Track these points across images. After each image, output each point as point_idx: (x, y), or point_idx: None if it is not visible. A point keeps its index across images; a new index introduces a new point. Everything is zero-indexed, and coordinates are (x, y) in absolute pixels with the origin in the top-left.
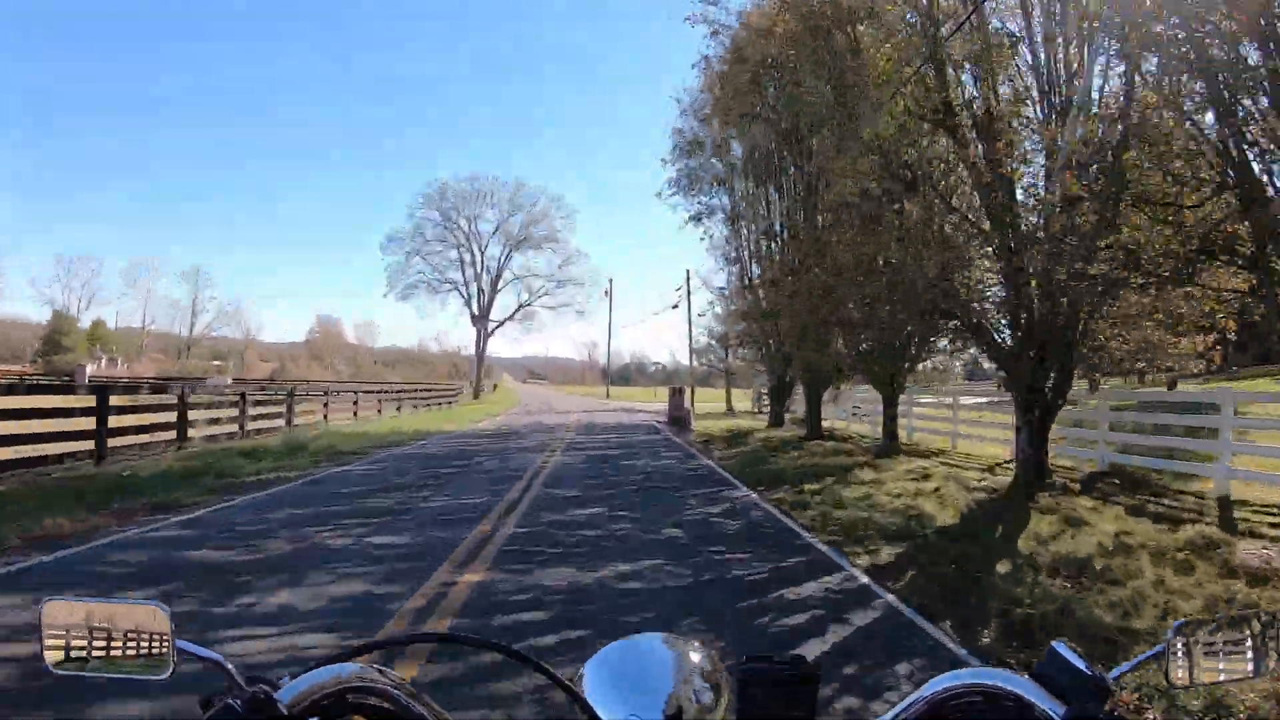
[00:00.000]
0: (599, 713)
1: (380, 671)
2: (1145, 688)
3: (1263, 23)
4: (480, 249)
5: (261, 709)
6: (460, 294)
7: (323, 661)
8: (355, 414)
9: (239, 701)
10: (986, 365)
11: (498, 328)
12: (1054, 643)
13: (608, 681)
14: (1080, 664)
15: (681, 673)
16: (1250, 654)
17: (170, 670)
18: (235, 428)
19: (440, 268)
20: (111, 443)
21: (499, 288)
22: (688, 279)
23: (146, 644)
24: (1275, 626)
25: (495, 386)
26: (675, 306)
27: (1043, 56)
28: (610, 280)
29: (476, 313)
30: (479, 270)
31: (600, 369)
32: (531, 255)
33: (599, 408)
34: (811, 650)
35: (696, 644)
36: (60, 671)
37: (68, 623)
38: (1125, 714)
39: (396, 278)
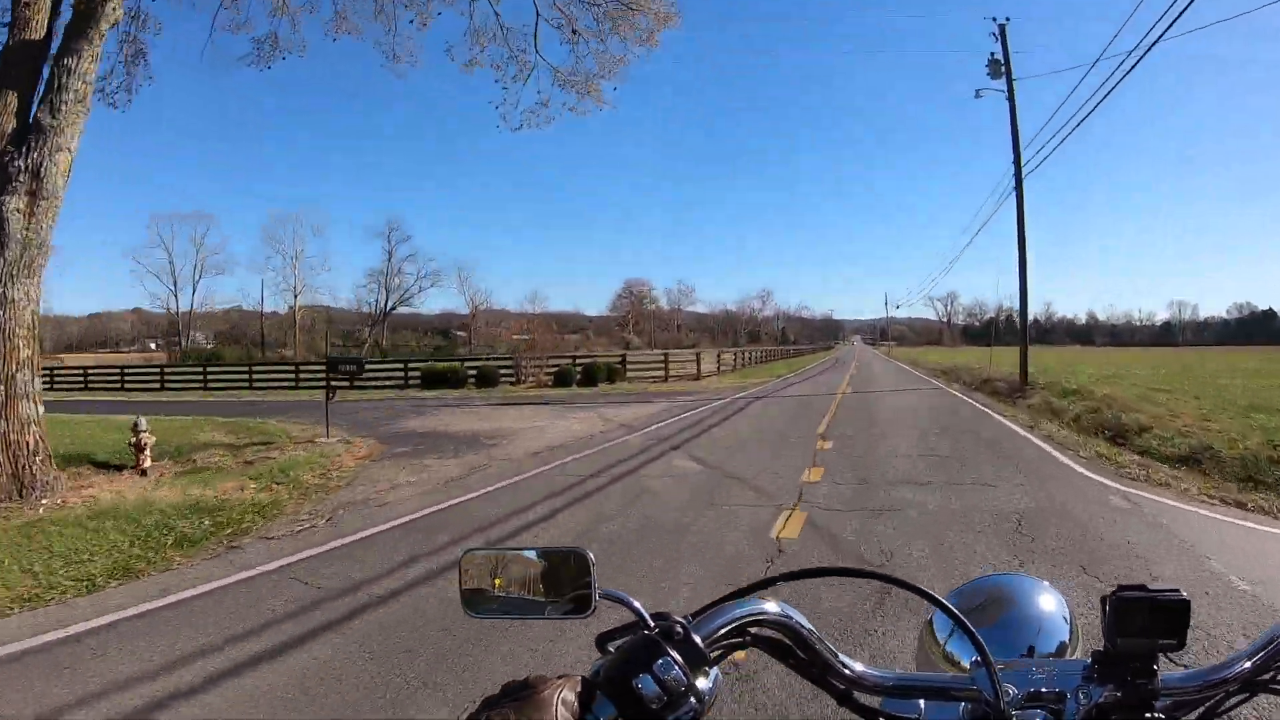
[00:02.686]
0: (984, 644)
1: (779, 605)
2: None
3: None
4: None
5: (679, 641)
6: None
7: (726, 598)
8: None
9: (658, 633)
10: None
11: None
12: None
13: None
14: None
15: (1033, 609)
16: None
17: (592, 609)
18: None
19: None
20: None
21: None
22: None
23: (568, 587)
24: None
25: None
26: None
27: None
28: None
29: None
30: None
31: (961, 328)
32: None
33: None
34: None
35: (1045, 583)
36: (478, 618)
37: (487, 570)
38: None
39: None
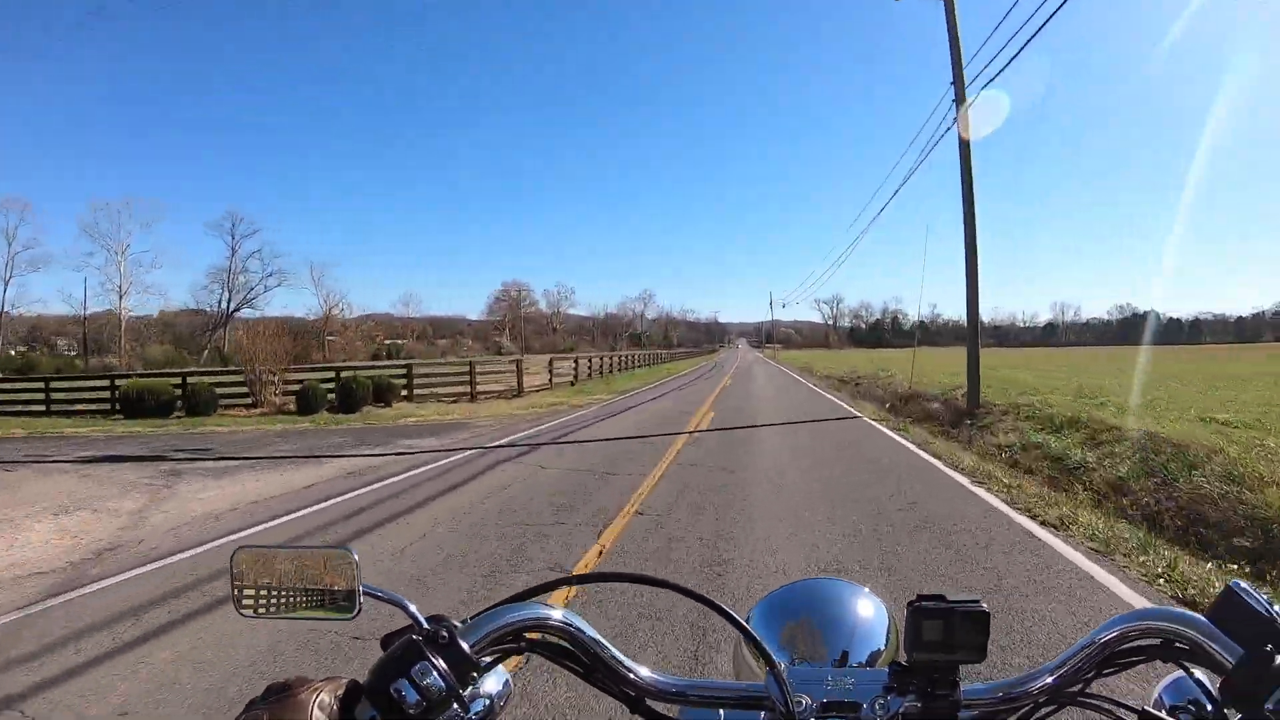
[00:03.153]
0: (771, 654)
1: (558, 609)
2: None
3: None
4: None
5: (443, 645)
6: None
7: (502, 602)
8: None
9: (422, 638)
10: None
11: None
12: (1232, 583)
13: (774, 627)
14: (1261, 606)
15: (849, 615)
16: None
17: (356, 612)
18: None
19: None
20: None
21: None
22: None
23: (334, 587)
24: None
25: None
26: None
27: None
28: None
29: None
30: None
31: (848, 330)
32: None
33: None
34: None
35: (865, 589)
36: (251, 617)
37: (257, 570)
38: None
39: None
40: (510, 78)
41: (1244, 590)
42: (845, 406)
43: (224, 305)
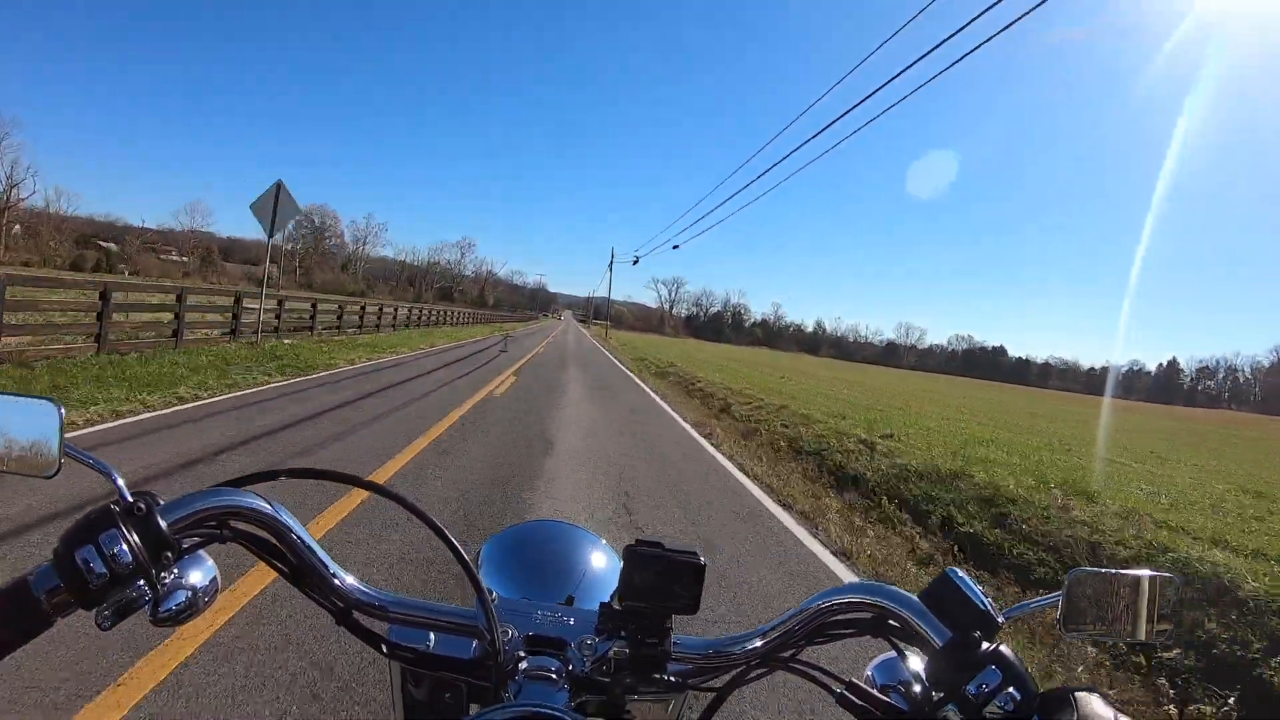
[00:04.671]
0: (493, 591)
1: (269, 503)
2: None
3: None
4: None
5: (139, 518)
6: None
7: (213, 486)
8: None
9: (119, 508)
10: None
11: None
12: (949, 569)
13: (503, 563)
14: (973, 594)
15: (580, 560)
16: (1137, 614)
17: (55, 471)
18: None
19: None
20: None
21: None
22: None
23: (38, 442)
24: (1165, 590)
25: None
26: None
27: None
28: None
29: None
30: None
31: (684, 318)
32: None
33: None
34: None
35: (601, 539)
36: None
37: None
38: (1012, 653)
39: None
40: None
41: (959, 578)
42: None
43: None
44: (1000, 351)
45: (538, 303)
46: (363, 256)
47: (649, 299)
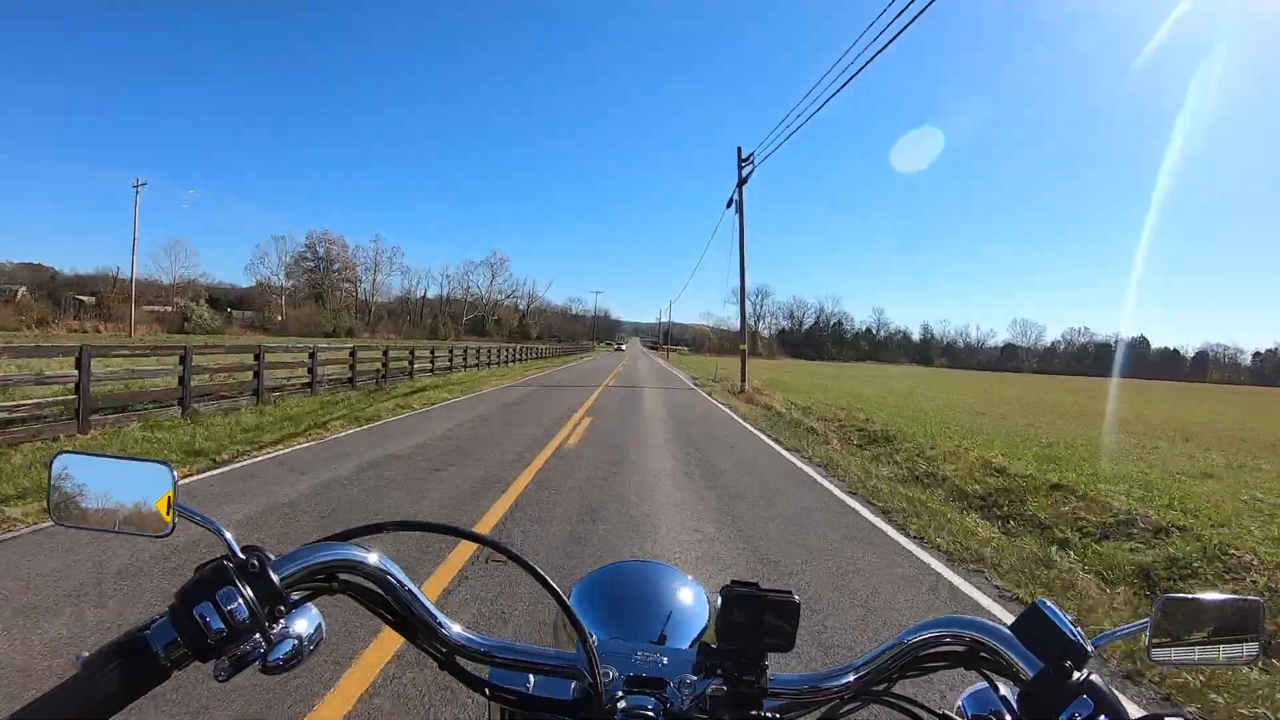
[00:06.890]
0: (591, 633)
1: (376, 555)
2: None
3: None
4: None
5: (253, 574)
6: None
7: (322, 540)
8: None
9: (232, 565)
10: None
11: None
12: (1038, 600)
13: (593, 605)
14: (1063, 624)
15: (670, 599)
16: (1233, 640)
17: (170, 530)
18: None
19: None
20: None
21: None
22: None
23: (151, 503)
24: (1252, 612)
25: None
26: None
27: None
28: None
29: None
30: None
31: (776, 334)
32: None
33: None
34: None
35: (689, 576)
36: (64, 525)
37: (76, 476)
38: (1104, 682)
39: None
40: None
41: (1048, 608)
42: None
43: None
44: (1141, 344)
45: (599, 333)
46: (374, 288)
47: (729, 314)
